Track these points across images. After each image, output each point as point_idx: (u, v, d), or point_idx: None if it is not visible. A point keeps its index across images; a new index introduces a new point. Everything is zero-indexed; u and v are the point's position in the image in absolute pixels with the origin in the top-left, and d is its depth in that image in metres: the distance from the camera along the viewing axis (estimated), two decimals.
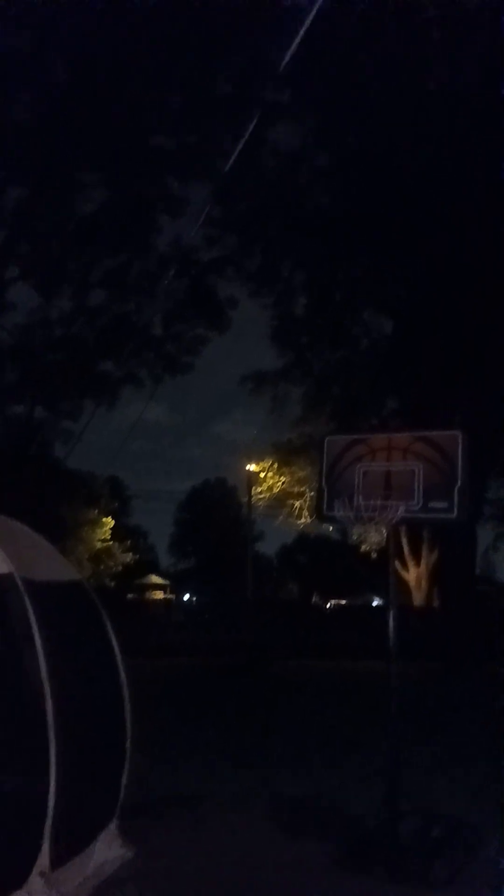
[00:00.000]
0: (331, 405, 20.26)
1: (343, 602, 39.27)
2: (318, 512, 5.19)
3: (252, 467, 29.02)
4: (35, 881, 3.77)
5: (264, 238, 18.48)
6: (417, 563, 25.06)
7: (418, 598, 24.96)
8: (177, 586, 46.58)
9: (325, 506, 5.04)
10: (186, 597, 44.29)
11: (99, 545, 31.96)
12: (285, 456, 24.14)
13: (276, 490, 26.06)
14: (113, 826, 4.80)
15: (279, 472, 25.62)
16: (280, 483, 25.64)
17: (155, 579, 44.81)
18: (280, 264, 19.03)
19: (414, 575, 25.17)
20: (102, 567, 32.70)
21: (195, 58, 15.77)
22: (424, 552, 24.63)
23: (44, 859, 3.82)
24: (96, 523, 31.05)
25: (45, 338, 19.23)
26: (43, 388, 19.11)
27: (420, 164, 14.60)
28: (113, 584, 34.38)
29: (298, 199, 17.64)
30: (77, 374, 18.74)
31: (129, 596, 35.53)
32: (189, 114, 17.22)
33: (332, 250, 17.64)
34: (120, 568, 34.39)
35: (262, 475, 27.59)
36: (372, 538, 5.03)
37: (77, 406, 19.69)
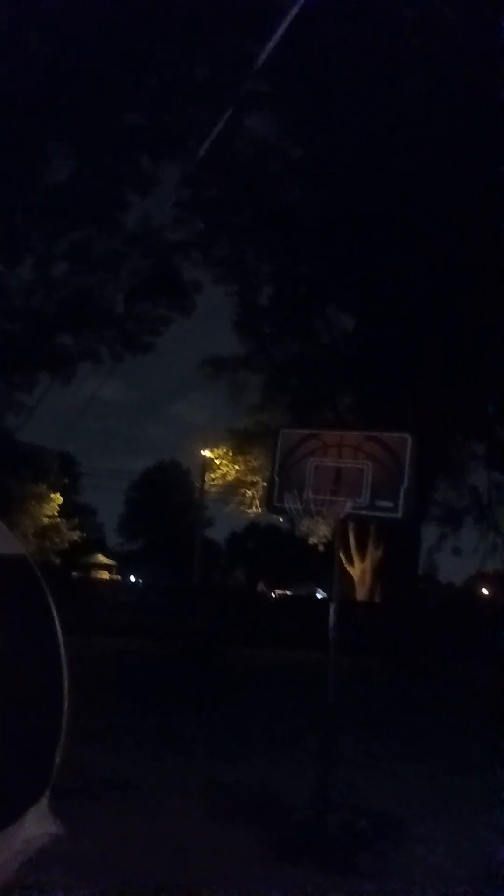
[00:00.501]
0: (288, 396, 20.38)
1: (288, 592, 39.66)
2: (269, 503, 5.25)
3: (207, 453, 28.98)
4: None
5: (233, 226, 18.42)
6: (363, 558, 25.45)
7: (362, 593, 25.37)
8: (123, 567, 46.31)
9: (275, 497, 5.10)
10: (133, 578, 44.07)
11: (46, 521, 31.51)
12: (240, 443, 24.20)
13: (229, 478, 26.13)
14: (43, 804, 4.79)
15: (233, 461, 25.68)
16: (234, 471, 25.72)
17: (101, 559, 44.44)
18: (247, 253, 19.02)
19: (359, 569, 25.56)
20: (48, 543, 32.23)
21: (175, 39, 15.54)
22: (370, 548, 25.01)
23: None
24: (44, 498, 30.57)
25: (4, 307, 18.80)
26: None
27: (391, 168, 14.72)
28: (58, 561, 33.95)
29: (269, 189, 17.62)
30: (34, 347, 18.39)
31: (75, 574, 35.17)
32: (165, 94, 16.98)
33: (299, 244, 17.69)
34: (66, 545, 33.96)
35: (216, 462, 27.61)
36: (319, 532, 5.11)
37: (32, 379, 19.36)
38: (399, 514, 4.80)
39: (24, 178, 17.51)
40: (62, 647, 5.15)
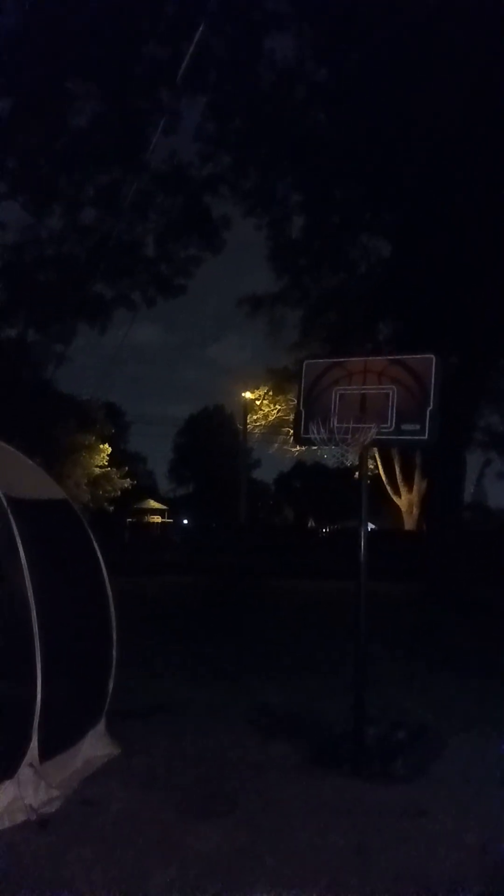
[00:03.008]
0: (326, 331, 20.10)
1: (337, 527, 39.99)
2: (296, 435, 5.30)
3: (248, 395, 29.01)
4: (25, 771, 4.09)
5: (260, 156, 17.89)
6: (409, 490, 25.47)
7: (409, 523, 25.49)
8: (174, 511, 47.34)
9: (302, 428, 5.14)
10: (185, 521, 45.07)
11: (97, 471, 32.22)
12: (280, 382, 24.15)
13: (271, 418, 26.20)
14: (100, 727, 5.14)
15: (274, 400, 25.70)
16: (275, 411, 25.76)
17: (153, 504, 45.49)
18: (276, 184, 18.50)
19: (405, 500, 25.62)
20: (101, 492, 33.05)
21: None
22: (416, 478, 24.99)
23: (33, 753, 4.13)
24: (93, 448, 31.20)
25: (36, 257, 18.86)
26: (34, 309, 18.88)
27: (420, 81, 13.98)
28: (112, 508, 34.88)
29: (295, 116, 16.97)
30: (69, 295, 18.49)
31: (129, 520, 36.14)
32: (183, 21, 16.35)
33: (329, 170, 17.10)
34: (118, 493, 34.79)
35: (257, 403, 27.68)
36: (348, 460, 5.16)
37: (69, 328, 19.53)
38: (425, 437, 4.79)
39: (46, 124, 17.30)
40: (107, 583, 5.42)
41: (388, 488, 25.71)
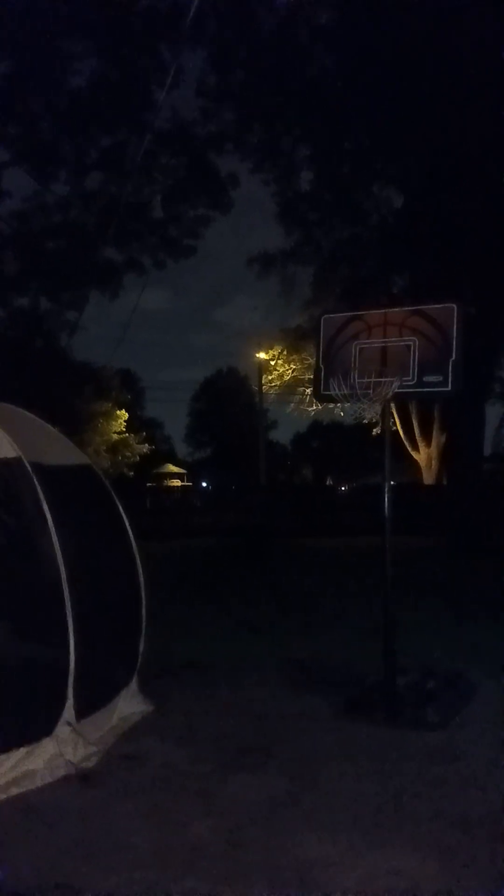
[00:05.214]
0: (340, 286, 19.76)
1: (355, 485, 40.04)
2: (316, 391, 5.25)
3: (262, 355, 28.80)
4: (62, 729, 4.22)
5: (264, 108, 17.41)
6: (428, 444, 25.33)
7: (429, 477, 25.41)
8: (193, 475, 47.61)
9: (321, 385, 5.09)
10: (204, 484, 45.36)
11: (115, 437, 32.40)
12: (295, 342, 23.90)
13: (286, 378, 26.02)
14: (133, 685, 5.25)
15: (289, 360, 25.48)
16: (290, 371, 25.57)
17: (172, 468, 45.77)
18: (282, 136, 18.02)
19: (424, 455, 25.50)
20: (120, 458, 33.31)
21: None
22: (435, 432, 24.83)
23: (69, 712, 4.25)
24: (110, 415, 31.34)
25: (44, 224, 18.67)
26: (45, 277, 18.75)
27: (428, 22, 13.45)
28: (132, 474, 35.15)
29: (299, 63, 16.43)
30: (78, 262, 18.33)
31: (149, 485, 36.43)
32: None
33: (337, 119, 16.61)
34: (137, 459, 35.02)
35: (272, 363, 27.47)
36: (369, 415, 5.12)
37: (81, 296, 19.41)
38: (448, 388, 4.72)
39: (46, 86, 16.95)
40: (133, 544, 5.48)
41: (407, 443, 25.59)
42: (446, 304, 4.76)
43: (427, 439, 25.25)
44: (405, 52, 13.98)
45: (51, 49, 16.23)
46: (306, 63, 16.64)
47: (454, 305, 4.74)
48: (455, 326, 4.68)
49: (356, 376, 4.85)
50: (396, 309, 5.01)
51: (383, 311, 5.01)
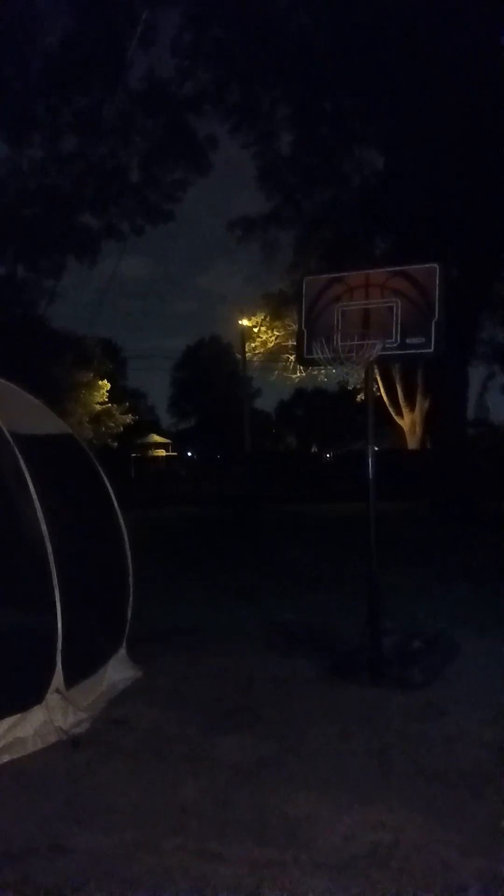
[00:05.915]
0: (322, 249, 19.58)
1: (339, 451, 40.19)
2: (299, 355, 5.20)
3: (245, 322, 28.58)
4: (52, 697, 4.23)
5: (241, 69, 17.01)
6: (411, 409, 25.42)
7: (412, 443, 25.55)
8: (178, 445, 47.49)
9: (305, 349, 5.04)
10: (189, 454, 45.33)
11: (98, 407, 32.13)
12: (277, 308, 23.74)
13: (270, 345, 25.89)
14: (122, 652, 5.28)
15: (272, 327, 25.33)
16: (273, 338, 25.43)
17: (157, 438, 45.58)
18: (261, 97, 17.66)
19: (408, 420, 25.61)
20: (104, 428, 33.06)
21: None
22: (419, 398, 24.90)
23: (58, 679, 4.26)
24: (92, 385, 31.03)
25: (19, 190, 18.24)
26: (22, 244, 18.38)
27: None
28: (115, 444, 34.96)
29: (276, 22, 16.02)
30: (55, 228, 17.97)
31: (133, 455, 36.31)
32: None
33: (315, 79, 16.27)
34: (120, 429, 34.80)
35: (255, 330, 27.29)
36: (353, 378, 5.09)
37: (58, 263, 19.07)
38: (431, 349, 4.69)
39: (16, 47, 16.40)
40: (118, 513, 5.46)
41: (391, 409, 25.65)
42: (428, 265, 4.71)
43: (411, 405, 25.34)
44: (386, 9, 13.67)
45: (21, 4, 15.69)
46: (286, 20, 16.24)
47: (436, 265, 4.69)
48: (437, 287, 4.64)
49: (339, 339, 4.82)
50: (378, 270, 4.95)
51: (365, 272, 4.96)
